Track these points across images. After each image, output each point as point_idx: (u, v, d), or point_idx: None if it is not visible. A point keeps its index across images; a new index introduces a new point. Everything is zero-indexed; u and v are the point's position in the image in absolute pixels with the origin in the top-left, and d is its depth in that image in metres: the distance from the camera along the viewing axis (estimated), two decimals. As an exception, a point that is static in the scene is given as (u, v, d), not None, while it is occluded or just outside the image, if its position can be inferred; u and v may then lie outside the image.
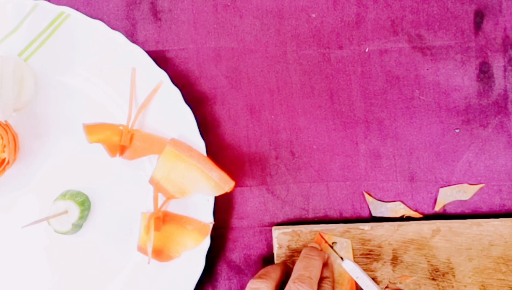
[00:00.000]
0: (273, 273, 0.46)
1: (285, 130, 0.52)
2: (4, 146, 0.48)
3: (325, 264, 0.49)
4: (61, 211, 0.48)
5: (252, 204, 0.52)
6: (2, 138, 0.48)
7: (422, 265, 0.50)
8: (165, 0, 0.52)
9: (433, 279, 0.50)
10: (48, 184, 0.51)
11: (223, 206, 0.52)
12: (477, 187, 0.51)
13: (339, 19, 0.51)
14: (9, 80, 0.47)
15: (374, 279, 0.50)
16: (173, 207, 0.50)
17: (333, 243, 0.49)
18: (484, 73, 0.51)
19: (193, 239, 0.49)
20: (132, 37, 0.51)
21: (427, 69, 0.51)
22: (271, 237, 0.51)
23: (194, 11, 0.51)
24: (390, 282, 0.50)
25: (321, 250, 0.49)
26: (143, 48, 0.49)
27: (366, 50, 0.51)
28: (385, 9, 0.51)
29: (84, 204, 0.50)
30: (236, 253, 0.52)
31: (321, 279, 0.47)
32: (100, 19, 0.50)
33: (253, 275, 0.47)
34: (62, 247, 0.51)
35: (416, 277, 0.50)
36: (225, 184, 0.48)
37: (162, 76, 0.49)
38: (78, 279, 0.51)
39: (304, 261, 0.46)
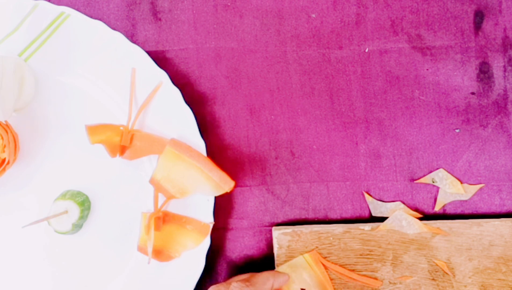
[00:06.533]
0: (262, 283, 0.45)
1: (285, 130, 0.52)
2: (4, 146, 0.48)
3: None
4: (61, 211, 0.48)
5: (252, 204, 0.52)
6: (2, 138, 0.48)
7: (422, 265, 0.50)
8: (165, 0, 0.51)
9: (433, 279, 0.50)
10: (48, 184, 0.51)
11: (223, 206, 0.52)
12: (477, 187, 0.51)
13: (339, 19, 0.51)
14: (9, 80, 0.47)
15: (374, 279, 0.50)
16: (173, 207, 0.50)
17: None
18: (484, 73, 0.51)
19: (193, 239, 0.49)
20: (132, 37, 0.51)
21: (427, 69, 0.51)
22: (271, 237, 0.51)
23: (194, 11, 0.51)
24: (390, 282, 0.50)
25: None
26: (143, 48, 0.49)
27: (366, 50, 0.51)
28: (385, 9, 0.51)
29: (84, 204, 0.50)
30: (236, 253, 0.52)
31: None
32: (100, 19, 0.50)
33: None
34: (62, 247, 0.51)
35: (416, 277, 0.50)
36: (225, 184, 0.48)
37: (162, 76, 0.49)
38: (78, 279, 0.51)
39: None
